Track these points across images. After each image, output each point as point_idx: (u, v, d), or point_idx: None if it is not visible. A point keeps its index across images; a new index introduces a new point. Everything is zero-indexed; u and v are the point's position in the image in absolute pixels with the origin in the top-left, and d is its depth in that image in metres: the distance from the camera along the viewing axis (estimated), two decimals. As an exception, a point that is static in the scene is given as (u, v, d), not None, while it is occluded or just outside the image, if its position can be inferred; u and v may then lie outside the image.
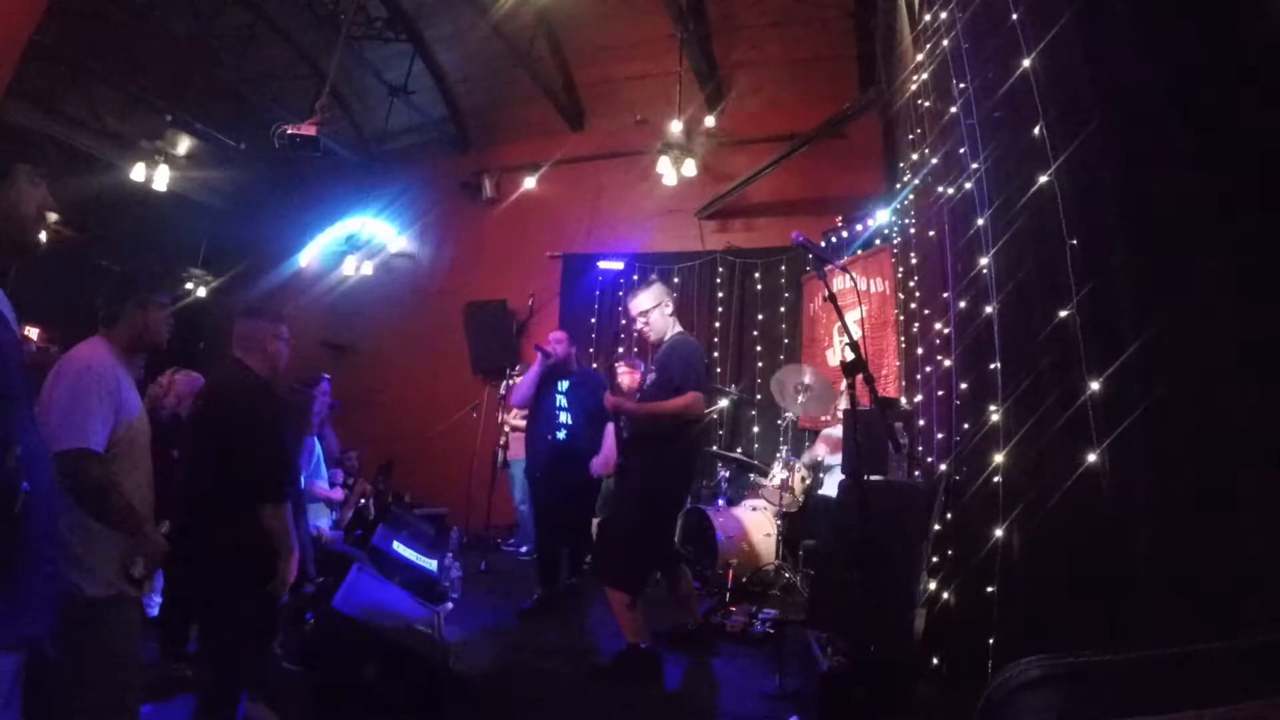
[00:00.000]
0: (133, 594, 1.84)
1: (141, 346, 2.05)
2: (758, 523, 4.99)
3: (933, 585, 2.73)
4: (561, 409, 4.46)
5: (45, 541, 1.42)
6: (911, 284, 4.77)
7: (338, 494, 4.51)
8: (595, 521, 5.67)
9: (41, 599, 1.39)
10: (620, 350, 7.18)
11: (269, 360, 2.46)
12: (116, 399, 1.84)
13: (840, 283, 5.60)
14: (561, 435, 4.41)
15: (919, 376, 4.06)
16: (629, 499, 3.45)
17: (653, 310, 3.51)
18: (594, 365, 7.33)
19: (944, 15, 3.16)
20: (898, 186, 5.48)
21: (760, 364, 6.90)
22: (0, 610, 1.27)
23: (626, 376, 5.51)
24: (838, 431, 4.98)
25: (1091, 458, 1.71)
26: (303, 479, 3.68)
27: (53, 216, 1.49)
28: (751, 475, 5.80)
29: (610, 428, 4.16)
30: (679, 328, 3.59)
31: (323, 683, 2.71)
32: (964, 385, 2.88)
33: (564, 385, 4.48)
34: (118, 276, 2.03)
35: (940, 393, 3.40)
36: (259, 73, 7.83)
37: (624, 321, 7.44)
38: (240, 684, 2.29)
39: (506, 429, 6.28)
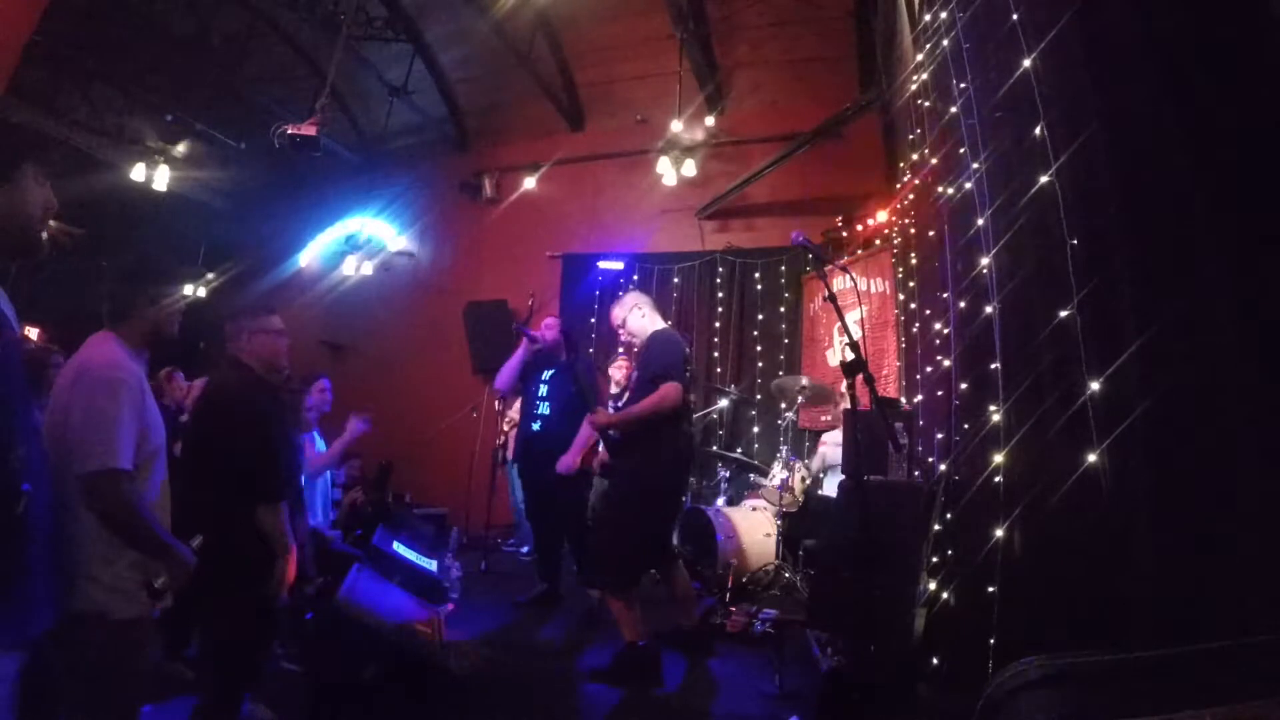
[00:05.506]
0: (153, 610, 1.77)
1: (153, 342, 1.91)
2: (758, 523, 4.99)
3: (933, 585, 2.73)
4: (541, 399, 4.27)
5: (46, 543, 1.42)
6: (911, 284, 4.77)
7: (335, 449, 3.99)
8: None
9: (44, 600, 1.40)
10: (620, 350, 7.17)
11: (260, 355, 2.43)
12: (142, 407, 1.72)
13: (840, 283, 5.60)
14: (536, 426, 4.25)
15: (919, 376, 4.06)
16: (619, 499, 3.43)
17: (628, 318, 3.57)
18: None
19: (944, 15, 3.16)
20: (898, 186, 5.48)
21: (760, 364, 6.89)
22: (5, 612, 1.27)
23: (619, 371, 5.50)
24: (838, 434, 4.99)
25: (1091, 458, 1.71)
26: (302, 478, 3.67)
27: (53, 222, 1.48)
28: (751, 475, 5.80)
29: (585, 425, 3.94)
30: (659, 324, 3.60)
31: (323, 683, 2.71)
32: (964, 385, 2.88)
33: (548, 374, 4.28)
34: (123, 269, 1.87)
35: (940, 393, 3.40)
36: (259, 73, 7.82)
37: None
38: (241, 685, 2.29)
39: (506, 426, 6.26)
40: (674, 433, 3.31)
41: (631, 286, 4.08)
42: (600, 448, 4.14)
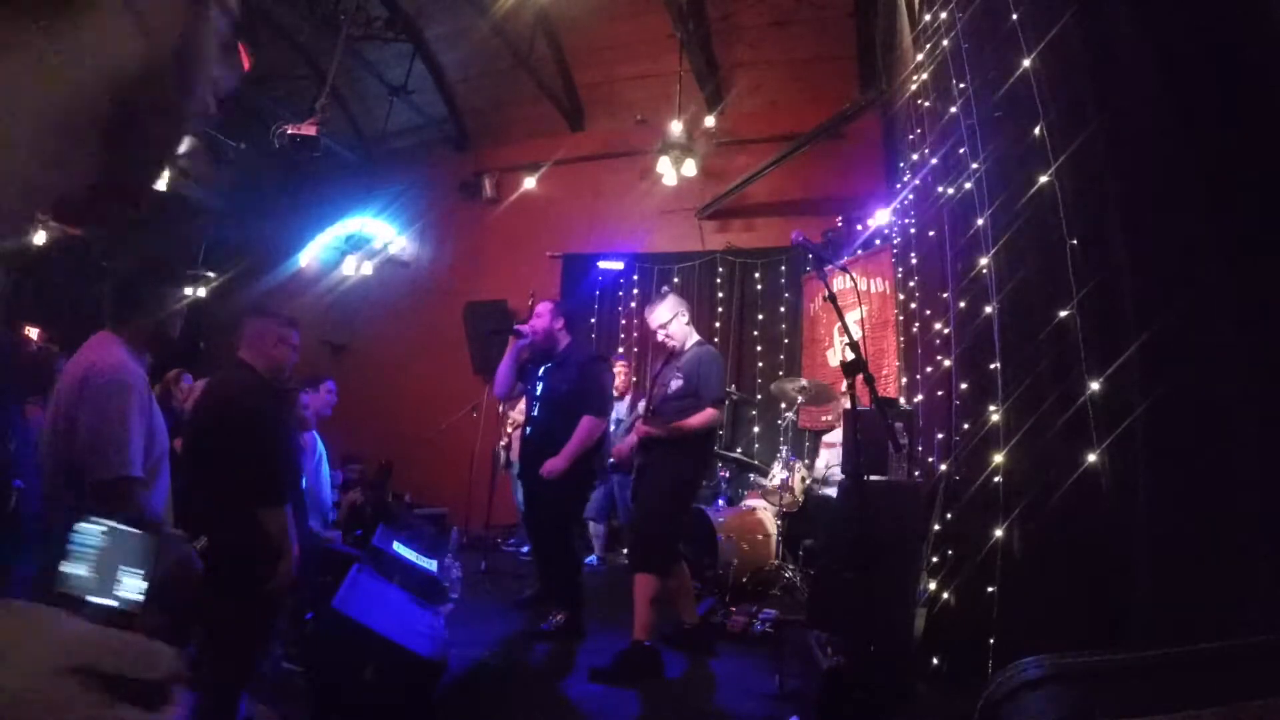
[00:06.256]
0: None
1: (154, 344, 1.90)
2: (758, 523, 4.99)
3: (933, 585, 2.73)
4: (536, 398, 3.86)
5: (38, 537, 1.42)
6: (911, 284, 4.77)
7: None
8: (591, 523, 5.62)
9: (36, 595, 1.40)
10: (620, 350, 7.17)
11: (272, 363, 2.44)
12: (149, 412, 1.71)
13: (840, 283, 5.60)
14: (529, 430, 3.90)
15: (919, 376, 4.05)
16: (657, 489, 3.54)
17: (671, 322, 3.66)
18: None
19: (944, 15, 3.16)
20: (898, 186, 5.48)
21: (760, 364, 6.90)
22: None
23: (620, 375, 5.47)
24: (838, 436, 4.99)
25: (1091, 458, 1.72)
26: (304, 479, 3.68)
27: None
28: (751, 475, 5.80)
29: (581, 427, 3.65)
30: (697, 335, 3.74)
31: (323, 683, 2.70)
32: (964, 385, 2.88)
33: (543, 369, 3.86)
34: (124, 270, 1.85)
35: (940, 393, 3.40)
36: (259, 73, 7.81)
37: (623, 322, 7.45)
38: (240, 684, 2.29)
39: (510, 428, 6.25)
40: (704, 436, 3.63)
41: (665, 290, 3.91)
42: (616, 446, 4.11)
